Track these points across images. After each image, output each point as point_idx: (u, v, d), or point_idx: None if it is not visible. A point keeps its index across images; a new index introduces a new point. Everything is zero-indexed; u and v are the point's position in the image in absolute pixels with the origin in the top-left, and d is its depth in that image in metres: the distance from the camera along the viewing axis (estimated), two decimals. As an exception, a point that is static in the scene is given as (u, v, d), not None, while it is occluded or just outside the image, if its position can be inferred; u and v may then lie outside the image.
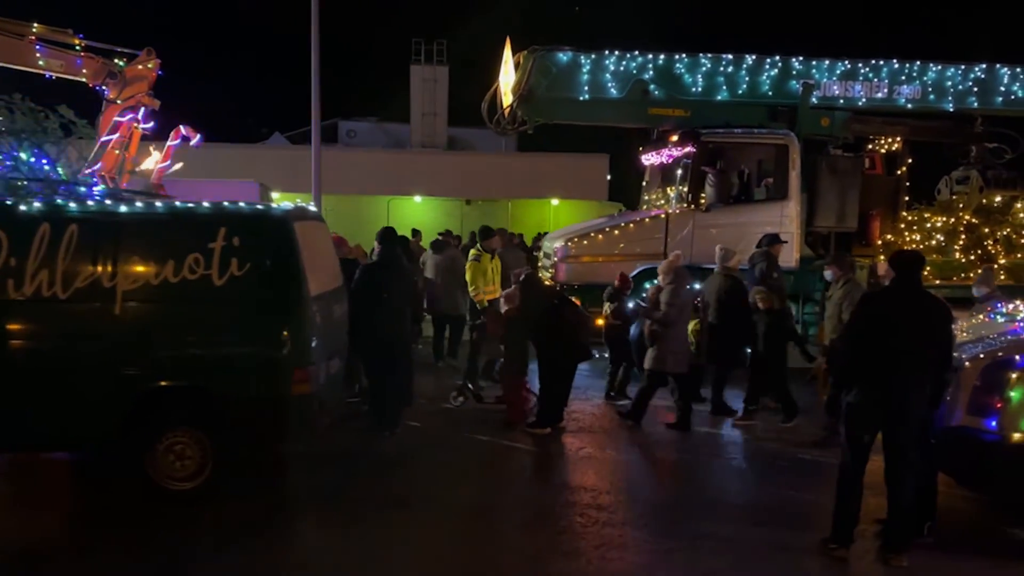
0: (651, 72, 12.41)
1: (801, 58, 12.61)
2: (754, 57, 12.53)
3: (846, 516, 5.43)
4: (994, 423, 5.56)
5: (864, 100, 12.67)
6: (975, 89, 12.73)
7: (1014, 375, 5.54)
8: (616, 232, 11.81)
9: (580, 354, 8.50)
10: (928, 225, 12.69)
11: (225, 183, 16.56)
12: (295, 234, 6.17)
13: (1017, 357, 5.64)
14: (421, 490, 6.62)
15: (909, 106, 12.75)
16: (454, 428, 8.44)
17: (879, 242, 12.35)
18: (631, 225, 11.86)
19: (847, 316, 7.81)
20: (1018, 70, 12.81)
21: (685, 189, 11.69)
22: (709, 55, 12.50)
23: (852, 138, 12.80)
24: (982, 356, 5.88)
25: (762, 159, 11.95)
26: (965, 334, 6.64)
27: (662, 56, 12.41)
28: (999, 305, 7.17)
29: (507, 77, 12.40)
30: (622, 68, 12.37)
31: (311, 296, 6.18)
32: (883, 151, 13.13)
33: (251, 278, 5.98)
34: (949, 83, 12.72)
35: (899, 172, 12.88)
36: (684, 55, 12.45)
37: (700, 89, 12.45)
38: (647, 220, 11.85)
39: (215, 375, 5.96)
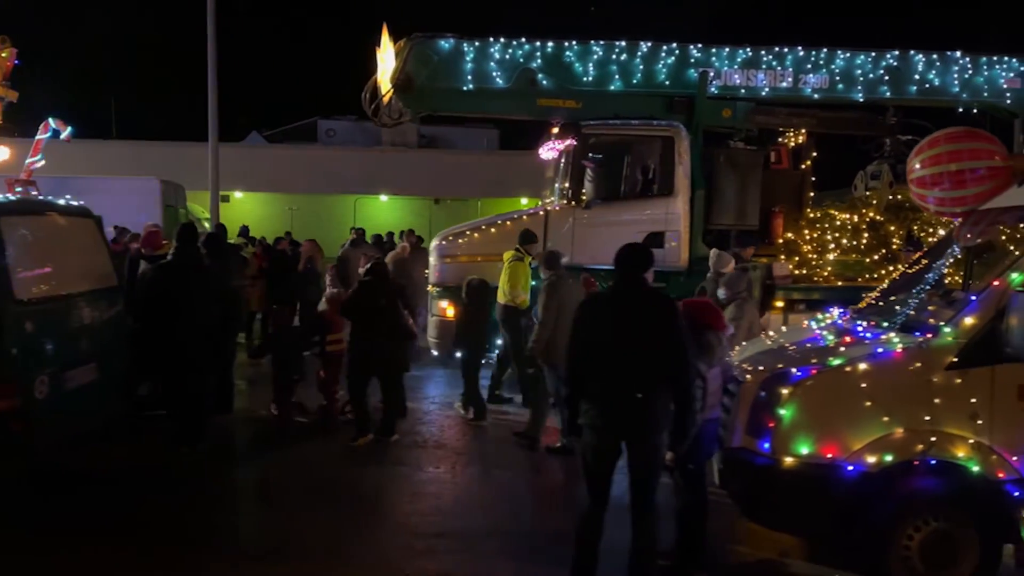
0: (539, 60, 11.67)
1: (700, 45, 11.86)
2: (649, 44, 11.78)
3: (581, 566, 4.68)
4: (767, 445, 4.84)
5: (768, 90, 11.89)
6: (887, 78, 11.94)
7: (786, 391, 4.81)
8: (494, 230, 11.08)
9: (392, 360, 7.84)
10: (838, 222, 11.91)
11: (123, 180, 15.87)
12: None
13: (794, 370, 4.92)
14: (139, 515, 5.86)
15: (816, 96, 11.96)
16: (264, 442, 7.79)
17: (781, 240, 11.59)
18: (508, 223, 11.12)
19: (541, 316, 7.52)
20: (934, 56, 12.03)
21: (565, 185, 10.96)
22: (601, 42, 11.77)
23: (756, 130, 12.06)
24: (761, 369, 5.16)
25: (648, 153, 11.21)
26: (770, 343, 5.91)
27: (550, 44, 11.68)
28: (829, 310, 6.42)
29: (385, 66, 11.70)
30: (508, 56, 11.65)
31: (19, 300, 5.48)
32: (791, 144, 12.36)
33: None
34: (859, 71, 11.94)
35: (803, 166, 12.11)
36: (574, 42, 11.73)
37: (592, 78, 11.70)
38: (525, 218, 11.13)
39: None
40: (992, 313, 4.47)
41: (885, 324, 5.17)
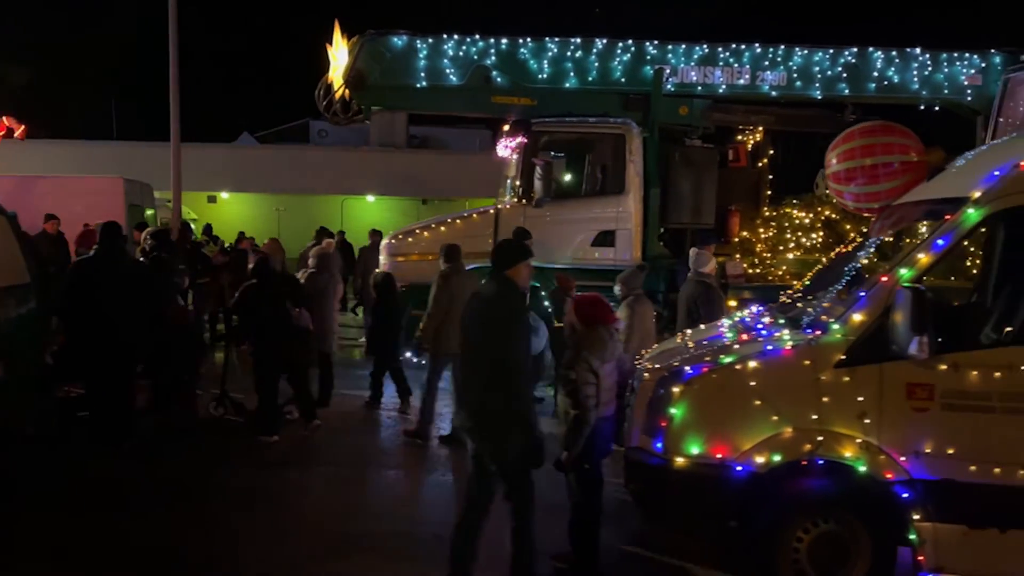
0: (493, 58, 11.59)
1: (656, 42, 11.75)
2: (605, 41, 11.68)
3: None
4: (660, 445, 4.73)
5: (725, 87, 11.79)
6: (845, 75, 11.83)
7: (677, 389, 4.69)
8: (443, 229, 10.96)
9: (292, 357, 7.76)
10: (796, 221, 11.79)
11: (86, 179, 15.75)
12: None
13: (687, 368, 4.80)
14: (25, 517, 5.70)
15: (774, 94, 11.86)
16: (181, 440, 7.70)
17: (736, 239, 11.47)
18: (459, 221, 11.02)
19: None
20: (893, 53, 11.91)
21: (516, 183, 10.84)
22: (556, 39, 11.67)
23: (714, 128, 11.94)
24: (657, 367, 5.04)
25: (599, 150, 11.10)
26: (680, 341, 5.79)
27: (504, 41, 11.58)
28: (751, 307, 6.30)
29: (337, 63, 11.60)
30: (461, 53, 11.56)
31: None
32: (750, 142, 12.24)
33: None
34: (816, 68, 11.83)
35: (760, 164, 11.99)
36: (529, 39, 11.62)
37: (547, 76, 11.61)
38: (475, 216, 11.02)
39: None
40: (880, 310, 4.34)
41: (782, 321, 5.05)
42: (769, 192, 11.99)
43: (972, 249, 6.17)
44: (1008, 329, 4.41)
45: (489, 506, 4.53)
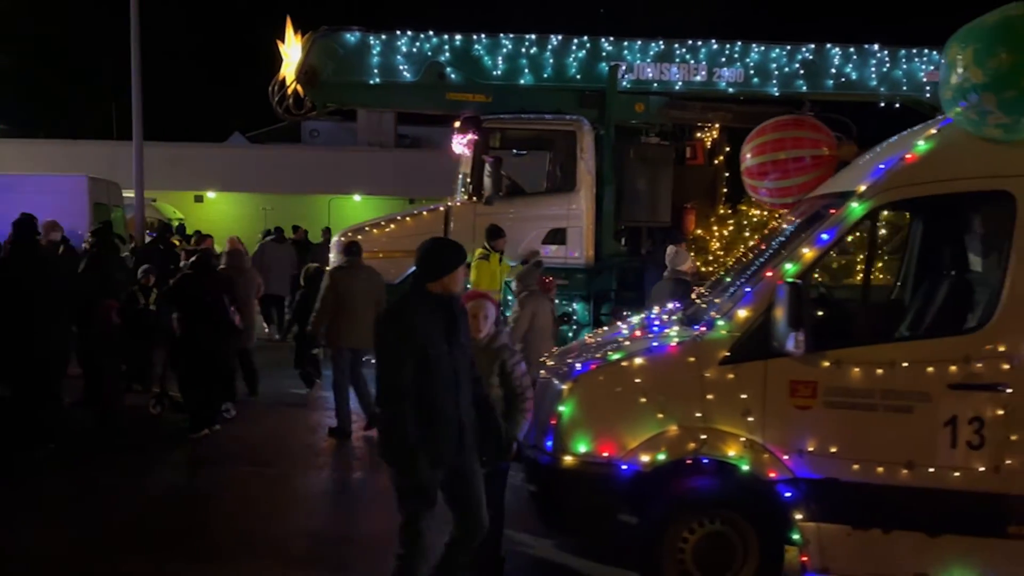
0: (447, 54, 11.48)
1: (611, 38, 11.66)
2: (560, 37, 11.58)
3: None
4: (550, 443, 4.65)
5: (681, 84, 11.68)
6: (802, 72, 11.73)
7: (566, 387, 4.62)
8: (394, 227, 10.89)
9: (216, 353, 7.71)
10: (754, 219, 11.70)
11: (50, 177, 15.68)
12: None
13: (577, 366, 4.72)
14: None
15: (731, 90, 11.76)
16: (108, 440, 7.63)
17: (691, 237, 11.37)
18: (408, 219, 10.95)
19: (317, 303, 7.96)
20: (851, 50, 11.81)
21: (467, 180, 10.76)
22: (511, 35, 11.58)
23: (670, 125, 11.85)
24: (552, 365, 4.97)
25: (550, 148, 11.02)
26: (589, 338, 5.71)
27: (459, 37, 11.48)
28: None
29: (290, 59, 11.51)
30: (415, 50, 11.46)
31: None
32: (707, 139, 12.15)
33: None
34: (774, 65, 11.72)
35: (716, 162, 11.90)
36: (483, 35, 11.54)
37: (501, 72, 11.51)
38: (425, 214, 10.94)
39: None
40: (764, 306, 4.25)
41: (675, 317, 4.97)
42: (726, 190, 11.90)
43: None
44: (889, 325, 4.33)
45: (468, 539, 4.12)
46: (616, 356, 4.61)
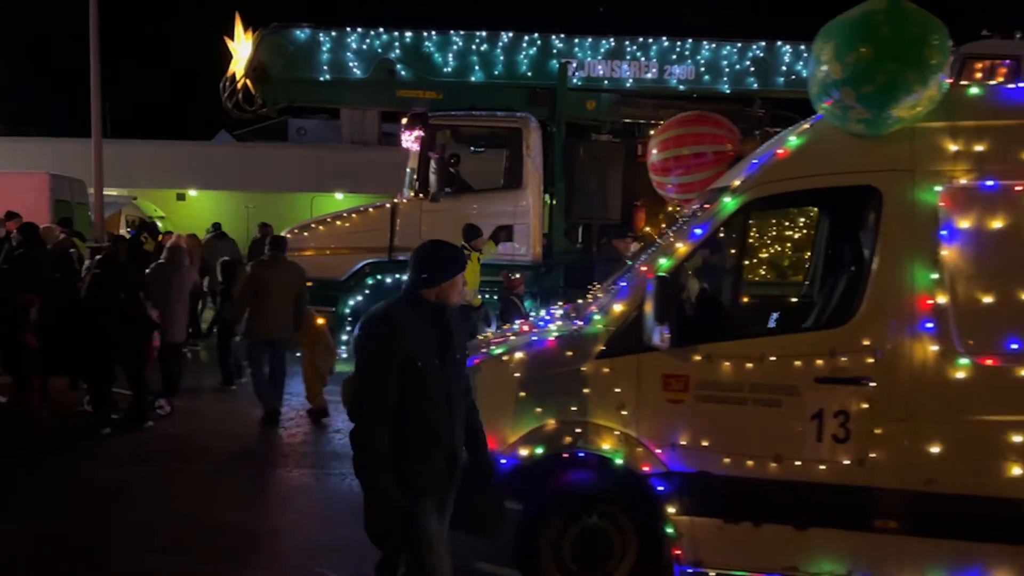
0: (398, 51, 11.51)
1: (562, 36, 11.69)
2: (511, 35, 11.62)
3: None
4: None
5: (632, 81, 11.73)
6: (753, 69, 11.78)
7: (448, 382, 4.62)
8: (340, 223, 10.89)
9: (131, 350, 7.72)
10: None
11: (11, 175, 15.61)
12: None
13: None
14: None
15: (682, 88, 11.81)
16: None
17: (640, 233, 11.38)
18: (355, 216, 10.94)
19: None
20: (801, 47, 11.84)
21: (413, 177, 10.76)
22: (462, 32, 11.59)
23: (621, 123, 11.86)
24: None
25: (499, 145, 11.02)
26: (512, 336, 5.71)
27: (409, 34, 11.51)
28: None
29: (239, 56, 11.50)
30: (365, 46, 11.49)
31: None
32: (660, 136, 12.16)
33: None
34: (725, 63, 11.77)
35: (666, 159, 11.91)
36: (434, 32, 11.55)
37: (452, 69, 11.55)
38: (372, 211, 10.93)
39: None
40: (638, 300, 4.26)
41: (561, 312, 4.98)
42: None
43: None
44: (758, 319, 4.35)
45: None
46: (498, 351, 4.62)
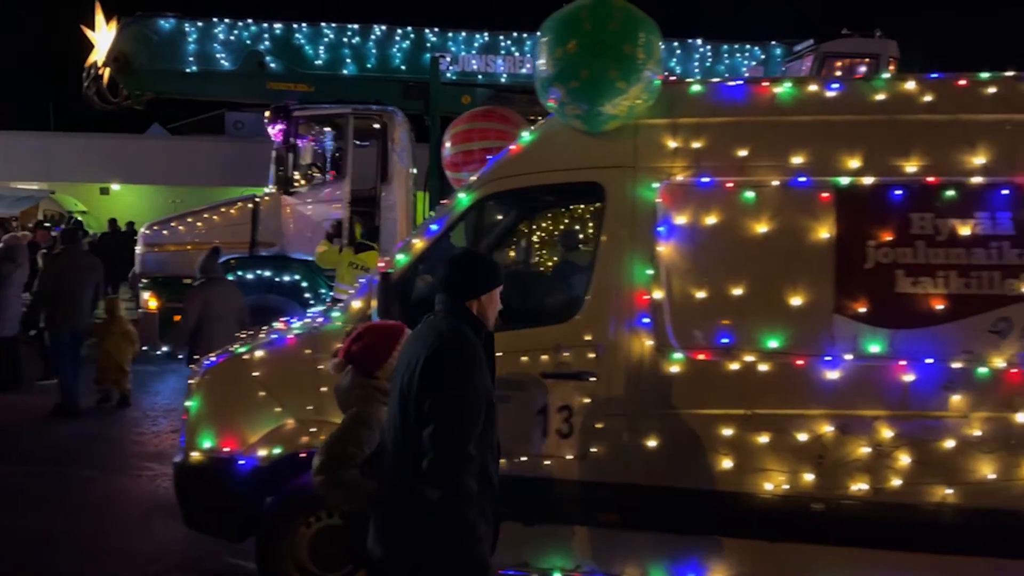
0: (267, 43, 11.33)
1: (436, 29, 11.63)
2: (384, 28, 11.51)
3: None
4: (183, 439, 4.56)
5: (507, 76, 11.72)
6: (627, 65, 11.84)
7: (194, 381, 4.54)
8: (201, 218, 10.67)
9: None
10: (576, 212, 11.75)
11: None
12: None
13: (212, 358, 4.64)
14: None
15: (557, 83, 11.81)
16: None
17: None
18: (216, 211, 10.72)
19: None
20: (675, 44, 11.99)
21: (277, 171, 10.58)
22: (333, 24, 11.45)
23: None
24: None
25: (362, 139, 10.91)
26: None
27: (279, 26, 11.32)
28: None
29: (101, 45, 11.19)
30: (233, 38, 11.27)
31: None
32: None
33: None
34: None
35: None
36: (304, 24, 11.38)
37: (324, 62, 11.41)
38: (235, 205, 10.72)
39: None
40: (371, 296, 4.23)
41: (318, 308, 4.92)
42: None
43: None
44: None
45: None
46: (241, 349, 4.53)
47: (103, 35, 11.14)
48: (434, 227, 4.31)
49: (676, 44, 11.94)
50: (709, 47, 12.00)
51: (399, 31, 11.50)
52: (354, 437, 3.16)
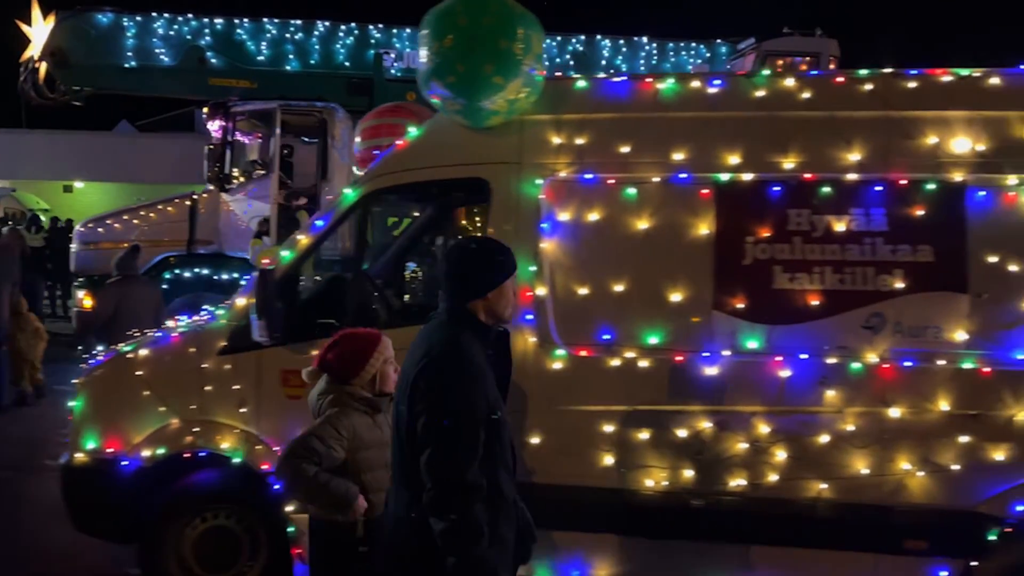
0: (208, 38, 11.19)
1: (381, 26, 11.56)
2: (327, 24, 11.43)
3: None
4: (68, 440, 4.47)
5: (452, 73, 11.64)
6: (572, 63, 11.87)
7: (79, 381, 4.45)
8: (138, 216, 10.52)
9: None
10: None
11: None
12: None
13: (97, 358, 4.55)
14: None
15: (501, 80, 11.77)
16: None
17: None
18: (154, 208, 10.58)
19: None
20: (620, 42, 12.01)
21: (215, 168, 10.46)
22: (276, 20, 11.34)
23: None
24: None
25: (303, 135, 10.83)
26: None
27: (220, 21, 11.20)
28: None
29: (38, 40, 11.00)
30: (173, 32, 11.14)
31: None
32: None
33: None
34: (544, 55, 11.76)
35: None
36: (246, 20, 11.26)
37: (266, 58, 11.30)
38: (172, 203, 10.59)
39: None
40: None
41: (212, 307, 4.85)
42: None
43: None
44: (374, 312, 4.30)
45: None
46: (126, 348, 4.46)
47: (39, 29, 10.95)
48: (319, 223, 4.25)
49: (622, 42, 11.97)
50: (655, 45, 12.03)
51: (343, 27, 11.42)
52: (320, 434, 3.15)
